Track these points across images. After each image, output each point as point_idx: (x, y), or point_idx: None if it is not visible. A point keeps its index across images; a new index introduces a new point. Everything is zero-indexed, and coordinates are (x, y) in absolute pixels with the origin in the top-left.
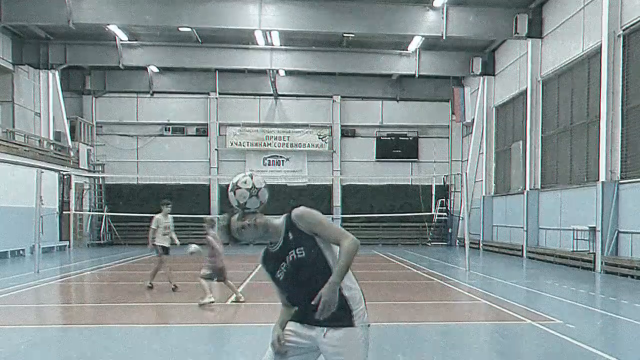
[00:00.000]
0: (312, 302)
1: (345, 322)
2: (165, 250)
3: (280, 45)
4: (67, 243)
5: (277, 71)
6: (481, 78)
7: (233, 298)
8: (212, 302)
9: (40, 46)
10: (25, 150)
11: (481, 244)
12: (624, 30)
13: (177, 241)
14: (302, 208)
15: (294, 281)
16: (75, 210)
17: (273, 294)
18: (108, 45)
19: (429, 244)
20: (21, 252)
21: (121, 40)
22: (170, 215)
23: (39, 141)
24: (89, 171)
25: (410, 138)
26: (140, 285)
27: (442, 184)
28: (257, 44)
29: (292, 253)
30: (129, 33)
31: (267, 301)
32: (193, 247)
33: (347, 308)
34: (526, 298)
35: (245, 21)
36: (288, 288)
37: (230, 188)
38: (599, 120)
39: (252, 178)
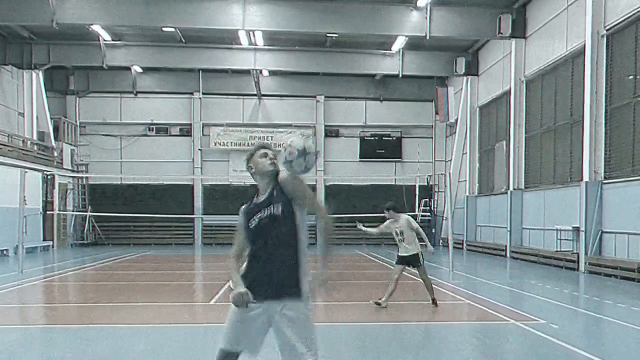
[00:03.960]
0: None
1: (298, 295)
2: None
3: (264, 45)
4: (50, 243)
5: (261, 71)
6: (465, 78)
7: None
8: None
9: (23, 46)
10: (8, 150)
11: (465, 244)
12: (607, 30)
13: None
14: (289, 173)
15: (262, 232)
16: (59, 210)
17: None
18: (92, 45)
19: None
20: (5, 252)
21: (105, 40)
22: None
23: (23, 141)
24: (73, 171)
25: (394, 138)
26: (125, 285)
27: (426, 184)
28: (241, 44)
29: (270, 207)
30: (113, 33)
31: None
32: None
33: (299, 282)
34: (510, 298)
35: (229, 21)
36: (254, 238)
37: (288, 142)
38: (583, 120)
39: (297, 156)
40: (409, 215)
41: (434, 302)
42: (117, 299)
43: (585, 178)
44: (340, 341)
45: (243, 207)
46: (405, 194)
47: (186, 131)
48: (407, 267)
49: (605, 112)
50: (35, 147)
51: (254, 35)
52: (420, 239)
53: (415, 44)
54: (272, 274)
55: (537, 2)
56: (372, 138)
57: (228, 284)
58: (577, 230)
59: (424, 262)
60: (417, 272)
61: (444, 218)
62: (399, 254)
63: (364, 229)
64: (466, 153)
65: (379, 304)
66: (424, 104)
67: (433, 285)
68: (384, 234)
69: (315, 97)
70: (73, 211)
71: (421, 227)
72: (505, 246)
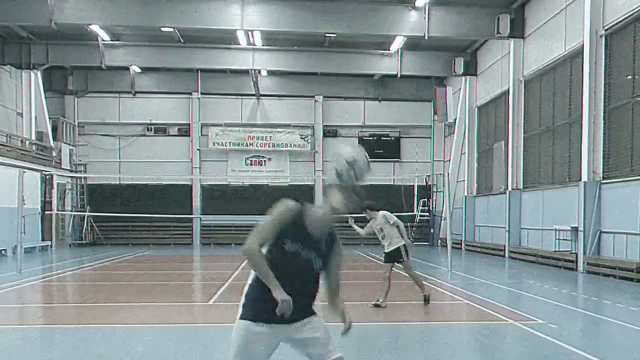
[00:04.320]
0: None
1: (314, 311)
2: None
3: (262, 45)
4: (49, 243)
5: (259, 71)
6: (463, 78)
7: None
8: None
9: (22, 46)
10: (7, 150)
11: (463, 244)
12: (606, 30)
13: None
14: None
15: (298, 265)
16: (57, 211)
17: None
18: (90, 46)
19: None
20: (3, 252)
21: (103, 40)
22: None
23: (21, 141)
24: (71, 171)
25: (393, 138)
26: (124, 285)
27: (424, 184)
28: (239, 44)
29: (319, 257)
30: (111, 33)
31: None
32: None
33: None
34: (508, 298)
35: (228, 21)
36: (298, 267)
37: (337, 152)
38: (581, 120)
39: (347, 168)
40: (390, 213)
41: (426, 299)
42: (116, 299)
43: (584, 178)
44: (339, 341)
45: (295, 207)
46: (403, 194)
47: (185, 131)
48: (395, 264)
49: (604, 112)
50: (34, 147)
51: (252, 35)
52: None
53: (413, 44)
54: (297, 301)
55: (536, 2)
56: (371, 138)
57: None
58: (575, 230)
59: (407, 255)
60: (403, 267)
61: (443, 218)
62: (384, 252)
63: (355, 227)
64: (465, 153)
65: (378, 305)
66: (422, 104)
67: (425, 283)
68: (370, 234)
69: (313, 97)
70: (71, 211)
71: (419, 227)
72: (504, 246)
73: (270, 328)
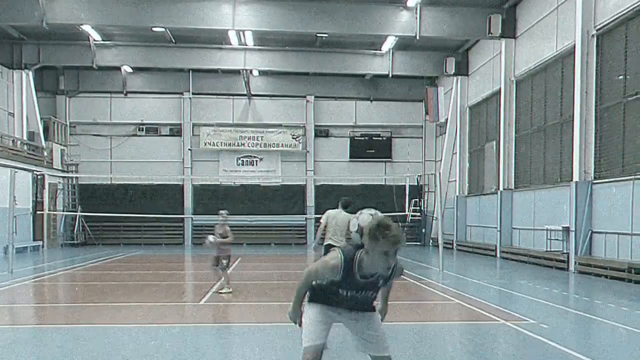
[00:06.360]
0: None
1: (373, 309)
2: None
3: (254, 46)
4: (40, 243)
5: (251, 71)
6: (455, 78)
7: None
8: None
9: (13, 46)
10: None
11: (455, 244)
12: (597, 30)
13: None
14: None
15: (360, 300)
16: (49, 210)
17: (250, 295)
18: (82, 46)
19: None
20: None
21: (95, 40)
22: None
23: (13, 141)
24: (63, 171)
25: (384, 138)
26: (115, 285)
27: (416, 184)
28: (231, 44)
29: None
30: (103, 33)
31: (244, 301)
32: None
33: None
34: (500, 298)
35: (219, 21)
36: (350, 301)
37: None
38: (573, 120)
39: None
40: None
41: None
42: (107, 299)
43: (575, 178)
44: (334, 341)
45: (345, 267)
46: (395, 194)
47: (176, 131)
48: None
49: (595, 112)
50: (25, 147)
51: (244, 35)
52: None
53: (405, 44)
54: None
55: (527, 2)
56: (362, 138)
57: (219, 285)
58: (567, 230)
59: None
60: None
61: (434, 218)
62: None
63: None
64: (456, 153)
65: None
66: (414, 104)
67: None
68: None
69: (305, 97)
70: (63, 211)
71: (411, 227)
72: (495, 246)
73: (332, 310)
